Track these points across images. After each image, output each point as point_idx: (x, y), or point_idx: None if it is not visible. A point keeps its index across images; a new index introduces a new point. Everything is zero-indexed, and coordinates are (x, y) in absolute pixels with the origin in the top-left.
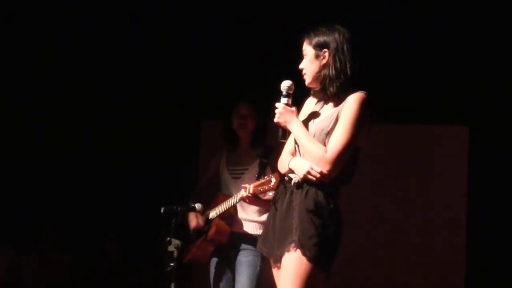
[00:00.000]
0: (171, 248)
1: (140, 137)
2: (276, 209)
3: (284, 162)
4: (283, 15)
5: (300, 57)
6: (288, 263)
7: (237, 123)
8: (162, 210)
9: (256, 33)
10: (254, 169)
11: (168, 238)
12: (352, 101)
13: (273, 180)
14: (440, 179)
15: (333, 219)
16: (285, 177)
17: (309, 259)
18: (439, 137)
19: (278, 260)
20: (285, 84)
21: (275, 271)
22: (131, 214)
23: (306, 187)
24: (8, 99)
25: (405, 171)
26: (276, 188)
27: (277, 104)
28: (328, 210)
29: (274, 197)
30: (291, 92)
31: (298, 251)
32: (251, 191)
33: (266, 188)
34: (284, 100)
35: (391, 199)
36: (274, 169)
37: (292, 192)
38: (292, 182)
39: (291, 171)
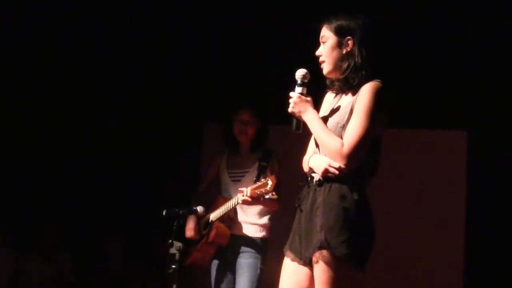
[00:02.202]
0: (172, 250)
1: (141, 138)
2: (301, 211)
3: (307, 161)
4: (283, 15)
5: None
6: (319, 264)
7: (238, 129)
8: (164, 213)
9: (257, 33)
10: (253, 172)
11: (170, 241)
12: (366, 90)
13: (270, 182)
14: (438, 184)
15: (360, 211)
16: (308, 177)
17: (339, 258)
18: (437, 141)
19: (308, 262)
20: (300, 73)
21: (297, 268)
22: (132, 216)
23: (328, 183)
24: (8, 99)
25: (403, 175)
26: (272, 191)
27: (291, 93)
28: (354, 203)
29: (299, 199)
30: (306, 81)
31: (326, 250)
32: (248, 194)
33: (263, 191)
34: (298, 89)
35: (389, 204)
36: (273, 172)
37: (315, 190)
38: (314, 180)
39: (312, 170)
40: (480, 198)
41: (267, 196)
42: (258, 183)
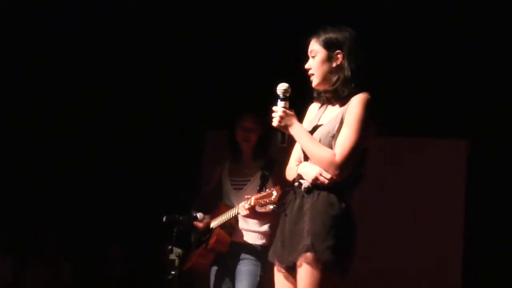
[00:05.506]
0: (172, 256)
1: (143, 145)
2: (286, 215)
3: (292, 169)
4: (286, 20)
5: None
6: (303, 268)
7: (241, 135)
8: (164, 219)
9: (260, 41)
10: (256, 181)
11: (170, 247)
12: (356, 102)
13: (275, 193)
14: (438, 192)
15: (346, 220)
16: (295, 183)
17: (323, 263)
18: (438, 150)
19: (291, 266)
20: (282, 87)
21: (279, 276)
22: (134, 222)
23: (317, 191)
24: (8, 99)
25: (403, 184)
26: (277, 202)
27: (274, 108)
28: (340, 212)
29: (284, 204)
30: (287, 95)
31: (312, 255)
32: (252, 203)
33: (267, 201)
34: (281, 103)
35: (389, 212)
36: (276, 182)
37: (302, 197)
38: (302, 187)
39: (300, 176)
40: (479, 207)
41: (271, 207)
42: (263, 193)
